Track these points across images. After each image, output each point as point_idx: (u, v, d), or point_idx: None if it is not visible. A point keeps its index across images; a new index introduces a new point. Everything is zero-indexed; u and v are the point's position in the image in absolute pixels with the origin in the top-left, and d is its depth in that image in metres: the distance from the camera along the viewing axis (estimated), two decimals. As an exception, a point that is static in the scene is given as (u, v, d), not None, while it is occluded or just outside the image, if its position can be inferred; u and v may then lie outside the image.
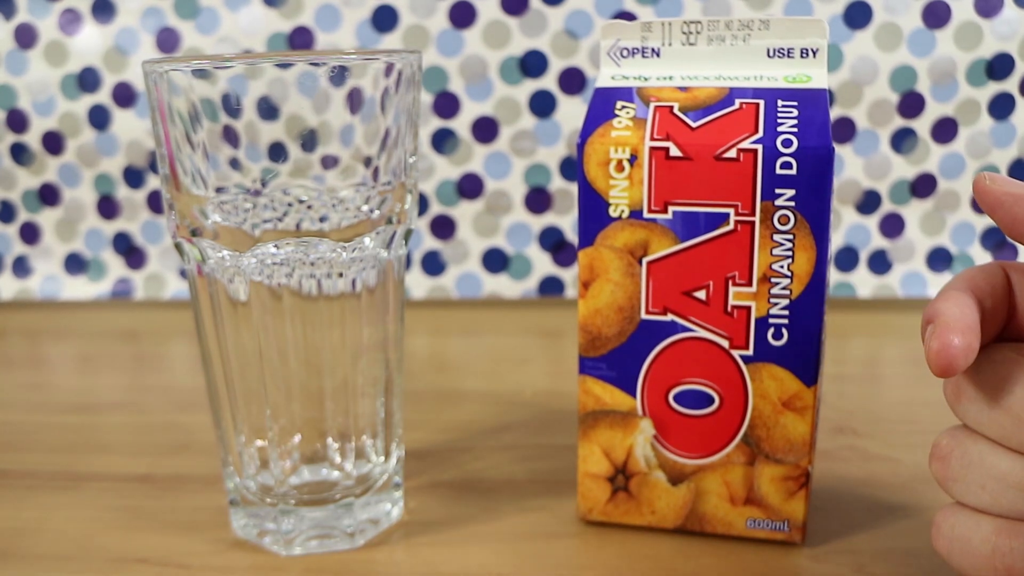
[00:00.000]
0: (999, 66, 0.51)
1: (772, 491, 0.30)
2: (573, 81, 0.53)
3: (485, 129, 0.54)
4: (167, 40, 0.54)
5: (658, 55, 0.30)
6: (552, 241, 0.56)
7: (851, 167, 0.54)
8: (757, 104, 0.28)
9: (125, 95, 0.55)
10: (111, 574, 0.29)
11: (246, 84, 0.26)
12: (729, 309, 0.28)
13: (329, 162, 0.27)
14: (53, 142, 0.56)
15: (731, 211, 0.27)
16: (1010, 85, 0.52)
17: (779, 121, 0.27)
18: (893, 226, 0.55)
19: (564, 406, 0.41)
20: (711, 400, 0.29)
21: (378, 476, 0.31)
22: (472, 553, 0.30)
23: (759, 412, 0.29)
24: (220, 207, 0.27)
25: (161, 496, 0.34)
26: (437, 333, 0.53)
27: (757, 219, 0.27)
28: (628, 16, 0.52)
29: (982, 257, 0.55)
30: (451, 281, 0.57)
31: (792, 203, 0.27)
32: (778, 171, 0.27)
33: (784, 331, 0.28)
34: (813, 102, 0.28)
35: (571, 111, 0.54)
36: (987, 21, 0.51)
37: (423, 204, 0.56)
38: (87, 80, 0.55)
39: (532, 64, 0.53)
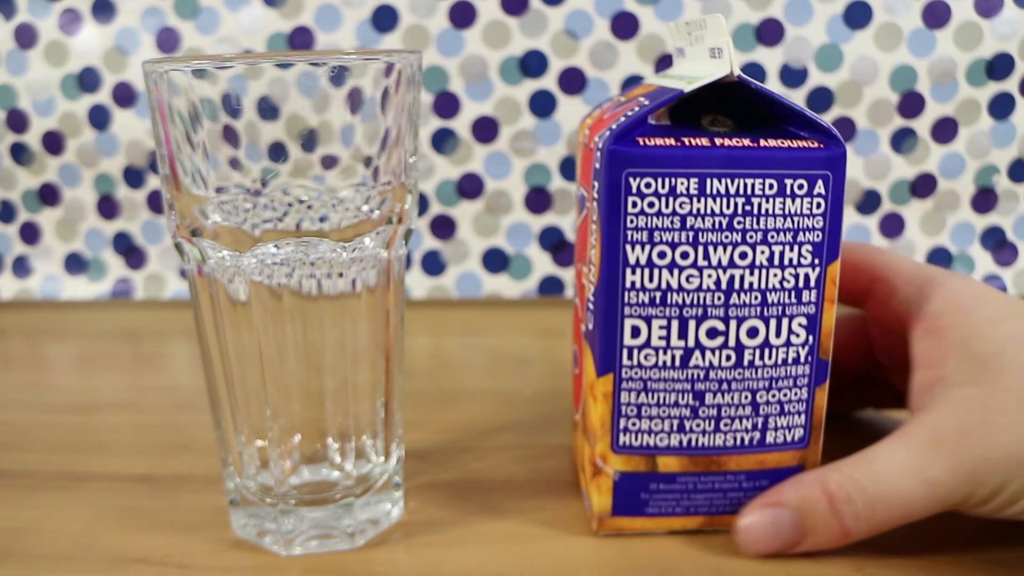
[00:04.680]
0: (999, 66, 0.51)
1: (587, 472, 0.31)
2: (573, 81, 0.53)
3: (485, 129, 0.54)
4: (167, 40, 0.54)
5: (683, 55, 0.32)
6: (552, 241, 0.56)
7: (851, 167, 0.54)
8: (638, 102, 0.29)
9: (125, 95, 0.55)
10: (111, 574, 0.29)
11: (246, 84, 0.26)
12: (582, 285, 0.31)
13: (329, 162, 0.27)
14: (53, 142, 0.56)
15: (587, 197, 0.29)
16: (1010, 85, 0.52)
17: (619, 119, 0.28)
18: (893, 226, 0.55)
19: (564, 406, 0.41)
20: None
21: (378, 476, 0.31)
22: (472, 553, 0.30)
23: (584, 389, 0.31)
24: (220, 207, 0.27)
25: (161, 496, 0.34)
26: (437, 333, 0.53)
27: (590, 206, 0.29)
28: (628, 16, 0.52)
29: (982, 257, 0.55)
30: (451, 281, 0.57)
31: (596, 196, 0.28)
32: (594, 164, 0.28)
33: (591, 317, 0.29)
34: (652, 102, 0.28)
35: (571, 111, 0.54)
36: (987, 21, 0.51)
37: (423, 204, 0.56)
38: (87, 80, 0.55)
39: (532, 64, 0.53)
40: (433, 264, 0.57)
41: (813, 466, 0.30)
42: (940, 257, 0.55)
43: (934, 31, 0.51)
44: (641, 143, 0.27)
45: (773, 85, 0.52)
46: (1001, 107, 0.52)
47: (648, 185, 0.27)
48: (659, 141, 0.27)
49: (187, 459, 0.37)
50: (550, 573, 0.29)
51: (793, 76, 0.52)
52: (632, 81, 0.53)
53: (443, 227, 0.56)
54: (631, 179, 0.27)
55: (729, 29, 0.52)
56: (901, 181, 0.54)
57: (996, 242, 0.55)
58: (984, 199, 0.54)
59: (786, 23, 0.51)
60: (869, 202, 0.55)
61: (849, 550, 0.29)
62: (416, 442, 0.38)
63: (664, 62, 0.53)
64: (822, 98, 0.52)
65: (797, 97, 0.52)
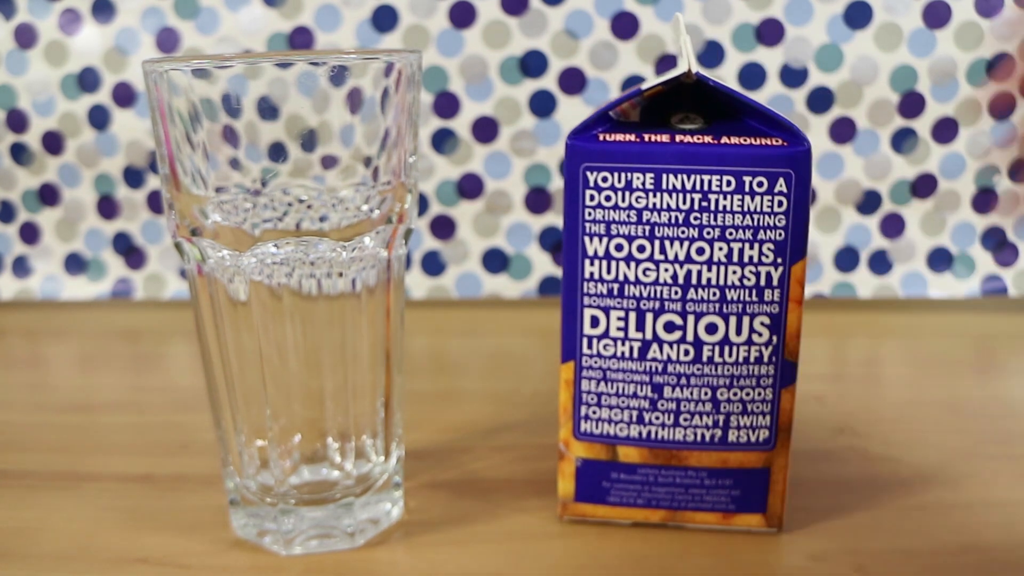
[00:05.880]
0: (999, 66, 0.51)
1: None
2: (573, 81, 0.53)
3: (485, 129, 0.54)
4: (167, 40, 0.54)
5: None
6: (552, 241, 0.56)
7: (851, 167, 0.54)
8: (609, 100, 0.30)
9: (125, 95, 0.55)
10: (111, 574, 0.29)
11: (246, 84, 0.26)
12: None
13: (329, 162, 0.27)
14: (53, 142, 0.56)
15: None
16: (1010, 85, 0.52)
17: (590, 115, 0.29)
18: (893, 226, 0.55)
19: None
20: None
21: (378, 476, 0.31)
22: (472, 553, 0.30)
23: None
24: (220, 207, 0.27)
25: (161, 496, 0.34)
26: (437, 333, 0.53)
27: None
28: (628, 16, 0.52)
29: (982, 257, 0.55)
30: (451, 281, 0.57)
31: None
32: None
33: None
34: (616, 100, 0.29)
35: (571, 111, 0.54)
36: (987, 21, 0.51)
37: (423, 204, 0.56)
38: (87, 80, 0.55)
39: (532, 64, 0.53)
40: (433, 264, 0.57)
41: (780, 470, 0.30)
42: (940, 257, 0.55)
43: (934, 31, 0.51)
44: (600, 138, 0.27)
45: (773, 85, 0.52)
46: (1001, 107, 0.52)
47: (605, 179, 0.27)
48: (618, 137, 0.27)
49: (187, 459, 0.37)
50: (551, 573, 0.29)
51: (793, 76, 0.52)
52: (632, 81, 0.53)
53: (443, 227, 0.56)
54: (588, 173, 0.27)
55: (730, 29, 0.52)
56: (901, 181, 0.54)
57: (996, 242, 0.55)
58: (984, 199, 0.54)
59: (786, 23, 0.51)
60: (869, 202, 0.54)
61: (849, 550, 0.29)
62: (416, 442, 0.38)
63: (664, 62, 0.53)
64: (822, 98, 0.52)
65: (797, 97, 0.52)
